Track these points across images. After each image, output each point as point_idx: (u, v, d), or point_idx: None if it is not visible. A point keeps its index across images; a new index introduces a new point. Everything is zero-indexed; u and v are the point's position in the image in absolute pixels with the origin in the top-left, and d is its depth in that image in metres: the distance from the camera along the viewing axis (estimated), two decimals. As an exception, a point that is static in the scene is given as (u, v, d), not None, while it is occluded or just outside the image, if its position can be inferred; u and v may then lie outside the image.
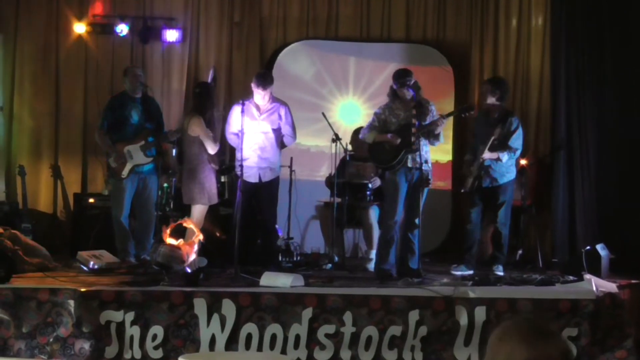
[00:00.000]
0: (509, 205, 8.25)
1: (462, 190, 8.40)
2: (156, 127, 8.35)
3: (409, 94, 7.65)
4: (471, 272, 7.99)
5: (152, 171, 8.23)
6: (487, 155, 8.08)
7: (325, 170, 9.67)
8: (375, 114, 7.90)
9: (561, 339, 2.59)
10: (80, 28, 10.07)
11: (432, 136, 7.67)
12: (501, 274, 7.94)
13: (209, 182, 8.06)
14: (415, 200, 7.67)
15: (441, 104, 9.16)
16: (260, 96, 8.21)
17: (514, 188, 8.38)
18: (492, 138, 8.05)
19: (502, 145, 8.10)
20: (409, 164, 7.61)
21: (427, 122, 7.62)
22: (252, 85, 8.27)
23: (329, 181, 8.91)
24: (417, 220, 7.63)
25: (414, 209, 7.66)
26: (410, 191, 7.68)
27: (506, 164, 8.15)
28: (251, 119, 8.19)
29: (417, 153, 7.56)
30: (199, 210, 8.04)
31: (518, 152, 8.24)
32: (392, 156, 7.64)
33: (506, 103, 8.54)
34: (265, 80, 8.27)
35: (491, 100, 8.27)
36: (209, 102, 8.15)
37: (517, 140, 8.17)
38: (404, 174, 7.63)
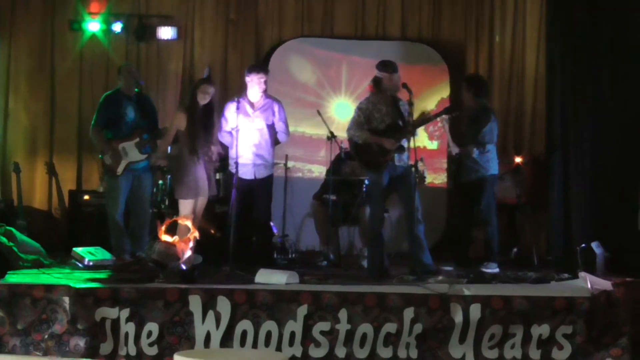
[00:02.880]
0: (491, 202, 8.25)
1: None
2: (151, 124, 8.34)
3: (393, 80, 7.62)
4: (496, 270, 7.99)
5: (146, 168, 8.23)
6: (455, 150, 8.17)
7: (324, 153, 9.58)
8: (360, 109, 7.76)
9: None
10: (75, 26, 10.07)
11: None
12: (496, 271, 7.95)
13: (191, 175, 7.77)
14: (407, 196, 7.62)
15: (436, 102, 9.17)
16: (257, 86, 8.12)
17: (495, 185, 8.37)
18: (462, 133, 8.13)
19: (473, 140, 8.13)
20: (394, 161, 7.62)
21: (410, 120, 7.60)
22: (248, 76, 8.19)
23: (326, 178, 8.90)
24: (419, 215, 7.58)
25: (411, 205, 7.59)
26: (399, 187, 7.66)
27: (482, 160, 8.16)
28: (245, 116, 8.14)
29: (404, 152, 7.59)
30: (184, 205, 7.84)
31: (490, 147, 8.24)
32: (382, 158, 7.63)
33: (486, 99, 8.56)
34: (260, 66, 8.29)
35: (466, 96, 8.33)
36: (196, 100, 7.84)
37: (487, 135, 8.18)
38: (387, 171, 7.63)
